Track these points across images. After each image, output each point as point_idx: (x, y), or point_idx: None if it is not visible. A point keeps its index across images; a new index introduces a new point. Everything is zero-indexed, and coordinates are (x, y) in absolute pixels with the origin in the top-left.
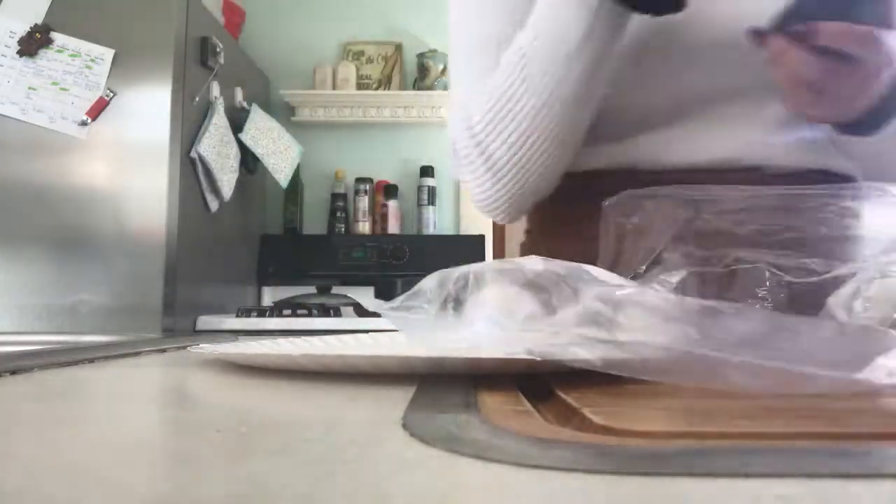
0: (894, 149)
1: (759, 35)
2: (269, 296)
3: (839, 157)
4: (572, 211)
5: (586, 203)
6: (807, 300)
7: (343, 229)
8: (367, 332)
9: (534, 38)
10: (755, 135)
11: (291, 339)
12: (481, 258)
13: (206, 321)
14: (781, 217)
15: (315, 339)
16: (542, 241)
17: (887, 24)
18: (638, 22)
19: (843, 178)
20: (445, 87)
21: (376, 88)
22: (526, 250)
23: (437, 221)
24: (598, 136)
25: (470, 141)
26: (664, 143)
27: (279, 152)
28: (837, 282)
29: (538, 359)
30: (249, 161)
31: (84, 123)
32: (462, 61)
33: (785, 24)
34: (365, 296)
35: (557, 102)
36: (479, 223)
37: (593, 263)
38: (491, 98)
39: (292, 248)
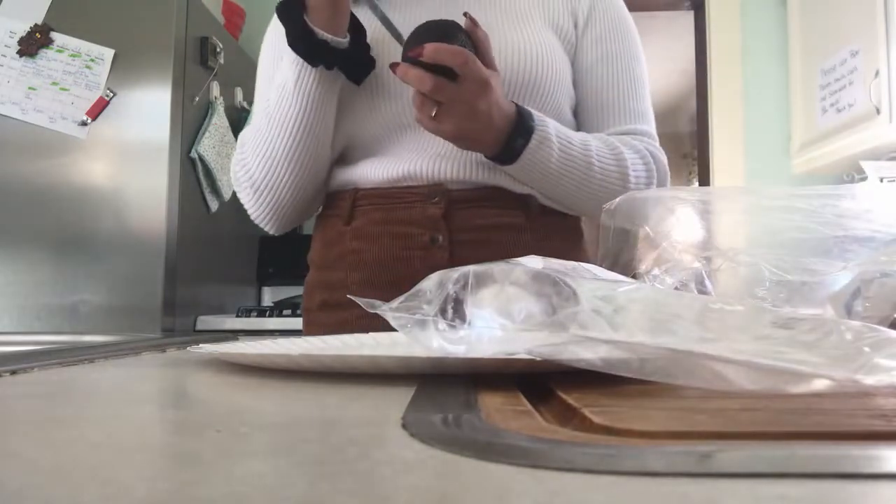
0: (564, 179)
1: (393, 65)
2: (269, 296)
3: (511, 179)
4: (319, 221)
5: (326, 216)
6: (807, 300)
7: None
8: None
9: (274, 88)
10: (431, 158)
11: (291, 339)
12: None
13: (206, 321)
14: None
15: (315, 339)
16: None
17: (472, 51)
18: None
19: (517, 196)
20: None
21: None
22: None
23: None
24: (334, 165)
25: (239, 163)
26: (373, 165)
27: None
28: (837, 282)
29: (538, 359)
30: None
31: (84, 123)
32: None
33: (403, 54)
34: None
35: (287, 129)
36: None
37: (333, 260)
38: (252, 129)
39: (292, 248)
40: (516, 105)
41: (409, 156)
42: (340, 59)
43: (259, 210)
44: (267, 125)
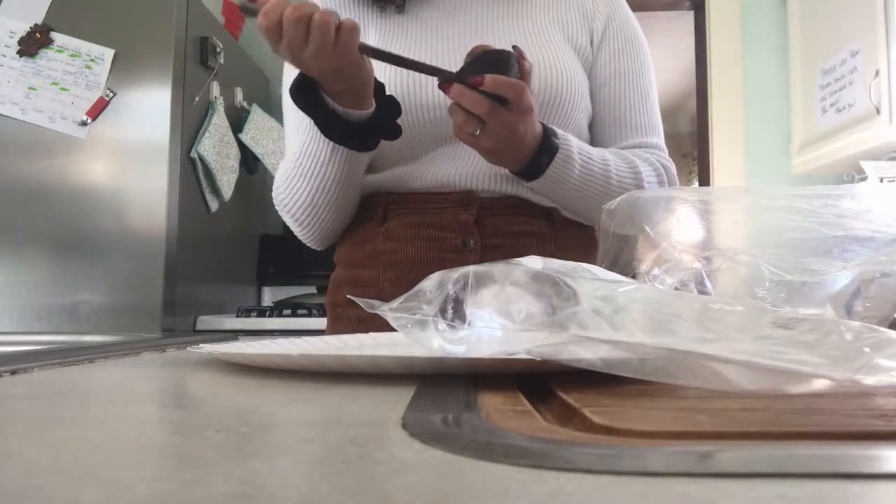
0: (584, 193)
1: (445, 85)
2: (269, 296)
3: (532, 192)
4: (351, 226)
5: (356, 217)
6: (807, 300)
7: None
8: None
9: (308, 152)
10: (463, 167)
11: (291, 339)
12: None
13: (206, 321)
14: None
15: (315, 339)
16: (338, 251)
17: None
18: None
19: (542, 208)
20: None
21: None
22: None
23: None
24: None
25: (280, 199)
26: (406, 174)
27: (279, 152)
28: (837, 282)
29: (538, 359)
30: (249, 161)
31: (84, 123)
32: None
33: (460, 77)
34: None
35: (325, 186)
36: None
37: (363, 259)
38: (287, 173)
39: (292, 248)
40: (542, 124)
41: (442, 166)
42: (374, 126)
43: (304, 235)
44: (301, 178)
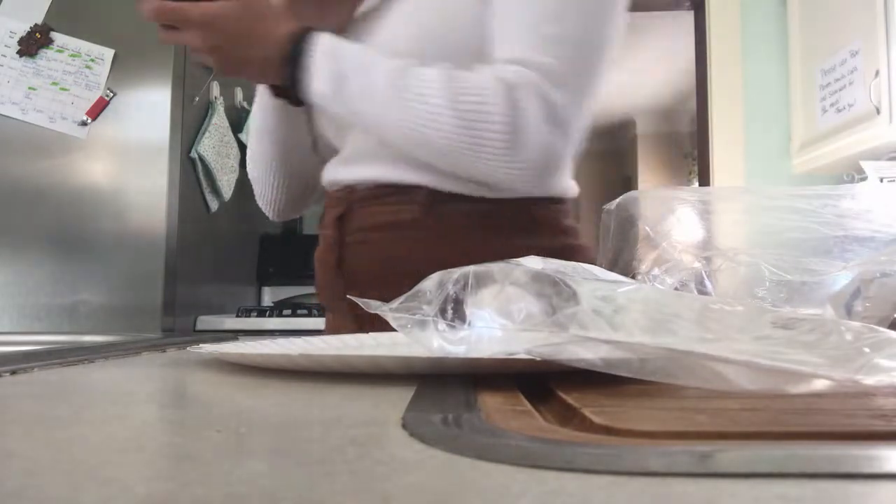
0: (373, 111)
1: None
2: (269, 296)
3: (402, 171)
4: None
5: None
6: (807, 300)
7: None
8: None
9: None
10: (345, 164)
11: (291, 339)
12: None
13: (206, 321)
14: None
15: (315, 339)
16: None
17: None
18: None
19: (411, 188)
20: None
21: None
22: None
23: None
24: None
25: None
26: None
27: None
28: (837, 282)
29: (538, 359)
30: None
31: (84, 123)
32: None
33: None
34: None
35: (256, 138)
36: None
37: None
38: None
39: (292, 248)
40: (301, 34)
41: (334, 163)
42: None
43: (258, 197)
44: (251, 132)
